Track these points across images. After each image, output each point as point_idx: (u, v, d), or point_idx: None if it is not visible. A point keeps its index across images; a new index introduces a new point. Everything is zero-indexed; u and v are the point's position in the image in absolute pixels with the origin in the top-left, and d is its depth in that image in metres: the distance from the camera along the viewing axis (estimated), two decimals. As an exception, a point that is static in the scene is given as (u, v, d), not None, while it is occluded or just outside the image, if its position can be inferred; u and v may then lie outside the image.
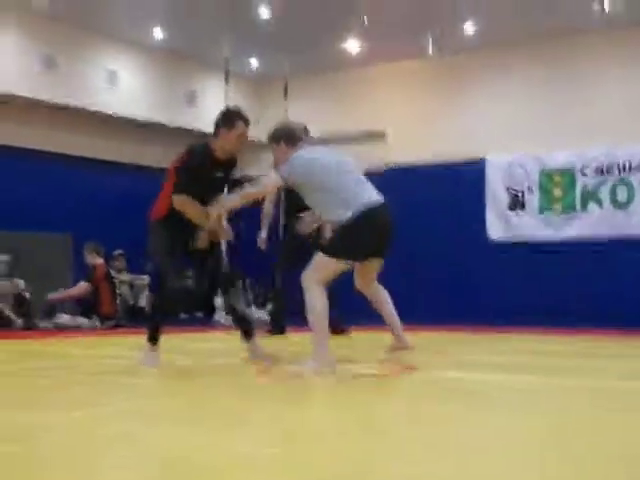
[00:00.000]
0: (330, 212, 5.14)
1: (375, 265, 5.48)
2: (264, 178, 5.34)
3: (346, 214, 5.02)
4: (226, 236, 5.45)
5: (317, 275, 5.05)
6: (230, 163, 5.37)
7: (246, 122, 5.30)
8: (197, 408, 3.69)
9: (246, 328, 5.49)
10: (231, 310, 5.62)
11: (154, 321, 5.32)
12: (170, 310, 5.49)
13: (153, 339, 5.24)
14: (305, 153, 5.20)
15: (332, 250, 5.09)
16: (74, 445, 2.79)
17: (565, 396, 3.99)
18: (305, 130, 6.39)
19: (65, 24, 10.62)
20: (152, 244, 5.31)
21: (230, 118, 5.26)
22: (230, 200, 5.27)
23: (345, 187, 5.11)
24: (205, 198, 5.18)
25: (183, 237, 5.22)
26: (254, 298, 12.20)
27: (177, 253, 5.24)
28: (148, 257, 11.15)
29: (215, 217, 5.17)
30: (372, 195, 5.17)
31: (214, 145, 5.25)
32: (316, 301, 4.95)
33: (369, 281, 5.62)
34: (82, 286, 9.66)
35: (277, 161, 5.33)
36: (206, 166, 5.18)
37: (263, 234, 8.58)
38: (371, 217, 5.06)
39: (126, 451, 2.71)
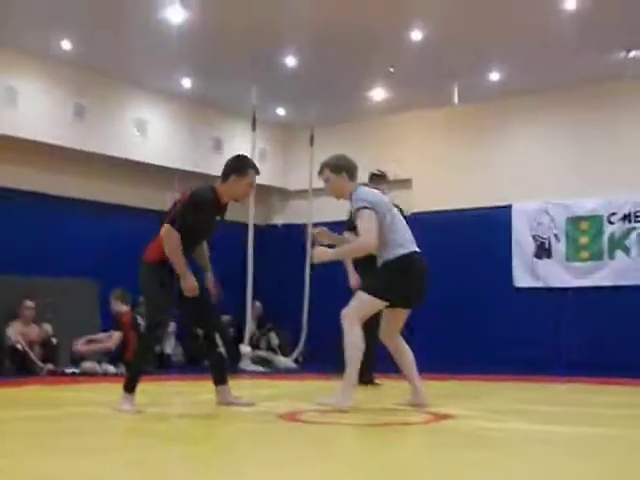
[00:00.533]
0: (388, 251, 5.25)
1: (406, 313, 5.52)
2: (363, 233, 5.20)
3: (396, 254, 5.23)
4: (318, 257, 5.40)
5: (360, 314, 5.19)
6: (225, 207, 5.41)
7: (257, 171, 5.38)
8: (221, 454, 3.67)
9: (224, 372, 5.55)
10: (216, 354, 5.56)
11: (138, 366, 5.30)
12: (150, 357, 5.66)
13: (134, 386, 5.20)
14: (368, 189, 5.44)
15: (378, 290, 5.21)
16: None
17: (607, 445, 3.94)
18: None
19: (95, 73, 10.79)
20: (146, 286, 5.34)
21: (243, 166, 5.33)
22: (338, 253, 5.41)
23: (401, 229, 5.38)
24: (198, 240, 5.39)
25: (173, 284, 5.26)
26: (279, 345, 12.16)
27: (169, 299, 5.29)
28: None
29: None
30: (414, 243, 5.42)
31: (220, 189, 5.30)
32: (357, 340, 5.10)
33: (395, 332, 5.59)
34: (116, 336, 9.58)
35: (334, 190, 5.48)
36: (210, 211, 5.25)
37: (353, 276, 7.59)
38: (417, 262, 5.31)
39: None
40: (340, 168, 5.44)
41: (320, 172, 5.55)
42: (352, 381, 5.16)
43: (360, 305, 5.22)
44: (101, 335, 9.96)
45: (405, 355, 5.59)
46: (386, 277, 5.25)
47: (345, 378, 5.15)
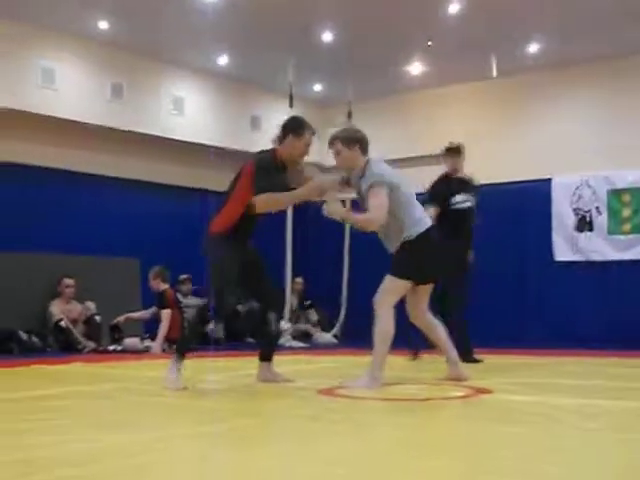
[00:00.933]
0: (405, 229, 5.14)
1: (428, 289, 5.42)
2: (373, 209, 5.04)
3: (417, 231, 5.13)
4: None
5: (391, 299, 5.13)
6: (286, 168, 5.35)
7: (313, 132, 5.34)
8: (266, 429, 3.70)
9: (272, 350, 5.60)
10: (268, 330, 5.55)
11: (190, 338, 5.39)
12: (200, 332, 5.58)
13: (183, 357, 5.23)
14: (383, 164, 5.25)
15: (405, 271, 5.13)
16: (148, 467, 2.82)
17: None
18: None
19: (132, 53, 10.84)
20: (217, 259, 5.22)
21: (299, 126, 5.30)
22: (349, 217, 5.25)
23: (416, 205, 5.27)
24: None
25: (242, 255, 5.22)
26: (318, 321, 12.21)
27: (235, 271, 5.20)
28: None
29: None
30: (428, 217, 5.35)
31: (280, 151, 5.29)
32: (389, 326, 5.05)
33: (423, 310, 5.47)
34: (165, 314, 9.48)
35: (346, 164, 5.26)
36: (277, 172, 5.22)
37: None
38: (435, 237, 5.25)
39: (201, 474, 2.73)
40: (353, 141, 5.23)
41: (331, 144, 5.30)
42: (380, 365, 5.09)
43: (388, 289, 5.13)
44: (142, 312, 10.06)
45: (437, 330, 5.54)
46: (408, 256, 5.15)
47: (371, 363, 5.10)
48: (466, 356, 6.91)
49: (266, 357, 5.58)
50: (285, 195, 5.15)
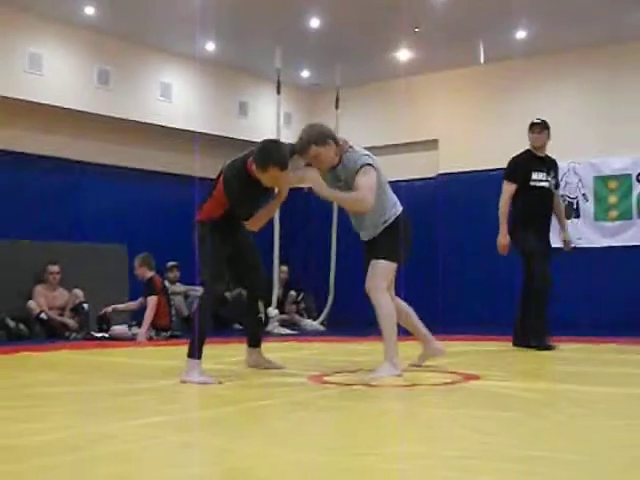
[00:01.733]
0: (386, 212, 5.10)
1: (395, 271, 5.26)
2: (364, 189, 4.84)
3: (395, 213, 5.11)
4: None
5: (384, 283, 5.04)
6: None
7: (282, 166, 4.74)
8: (253, 416, 3.70)
9: (260, 335, 5.61)
10: (255, 316, 5.52)
11: (200, 331, 4.97)
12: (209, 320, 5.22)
13: (200, 352, 4.94)
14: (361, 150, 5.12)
15: (394, 255, 5.07)
16: (134, 454, 2.82)
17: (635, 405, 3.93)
18: None
19: (119, 39, 10.80)
20: (204, 247, 5.10)
21: (264, 160, 4.74)
22: (333, 194, 4.99)
23: (389, 187, 5.21)
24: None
25: (230, 242, 5.13)
26: (305, 309, 12.22)
27: (224, 258, 5.12)
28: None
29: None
30: None
31: (250, 168, 4.90)
32: (390, 308, 5.00)
33: (392, 296, 5.26)
34: (152, 301, 9.39)
35: (329, 162, 4.97)
36: (245, 180, 4.92)
37: (505, 237, 7.27)
38: (407, 218, 5.21)
39: (187, 461, 2.73)
40: (325, 137, 4.94)
41: (304, 152, 4.98)
42: (394, 349, 5.01)
43: (379, 274, 5.04)
44: (128, 304, 9.98)
45: (406, 311, 5.44)
46: (392, 237, 5.08)
47: (386, 351, 5.01)
48: (541, 341, 6.90)
49: (254, 343, 5.56)
50: (267, 210, 5.03)
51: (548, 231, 7.33)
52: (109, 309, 9.80)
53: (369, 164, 4.92)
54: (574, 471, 2.52)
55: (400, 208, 5.18)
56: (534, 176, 7.23)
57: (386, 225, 5.10)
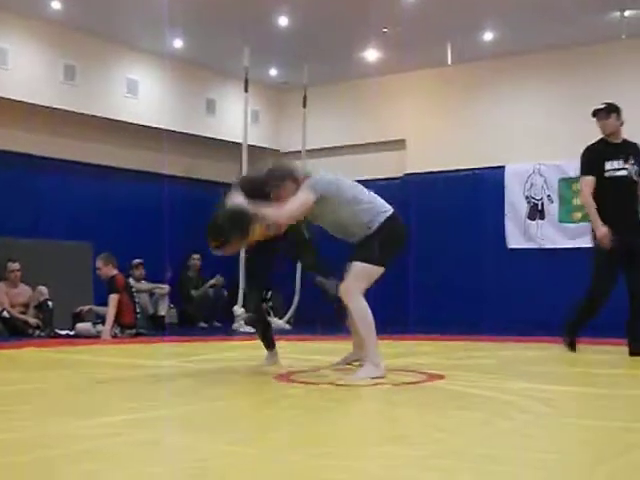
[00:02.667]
0: (363, 223, 5.07)
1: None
2: (290, 201, 4.93)
3: (379, 220, 5.07)
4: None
5: (362, 285, 4.99)
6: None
7: (209, 242, 4.90)
8: (218, 415, 3.69)
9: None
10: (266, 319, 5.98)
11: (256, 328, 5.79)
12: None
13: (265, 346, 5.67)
14: (323, 174, 5.20)
15: (375, 257, 5.01)
16: (101, 453, 2.80)
17: (601, 404, 3.97)
18: None
19: (86, 34, 10.70)
20: None
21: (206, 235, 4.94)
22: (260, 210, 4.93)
23: (372, 197, 5.22)
24: None
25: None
26: (272, 307, 12.20)
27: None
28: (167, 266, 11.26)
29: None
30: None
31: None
32: (366, 311, 4.95)
33: None
34: (113, 299, 9.38)
35: (283, 199, 5.01)
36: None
37: (602, 227, 6.49)
38: (398, 221, 5.18)
39: (153, 460, 2.72)
40: (282, 177, 5.10)
41: (268, 194, 5.07)
42: (375, 351, 4.96)
43: (361, 276, 5.00)
44: (106, 308, 9.79)
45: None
46: (374, 240, 5.03)
47: (368, 354, 4.97)
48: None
49: (272, 345, 5.78)
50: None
51: (633, 226, 6.57)
52: (86, 308, 9.73)
53: (311, 185, 4.97)
54: (542, 469, 2.54)
55: (387, 214, 5.13)
56: (608, 166, 6.52)
57: (377, 227, 5.08)
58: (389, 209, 5.18)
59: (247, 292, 5.62)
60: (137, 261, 11.12)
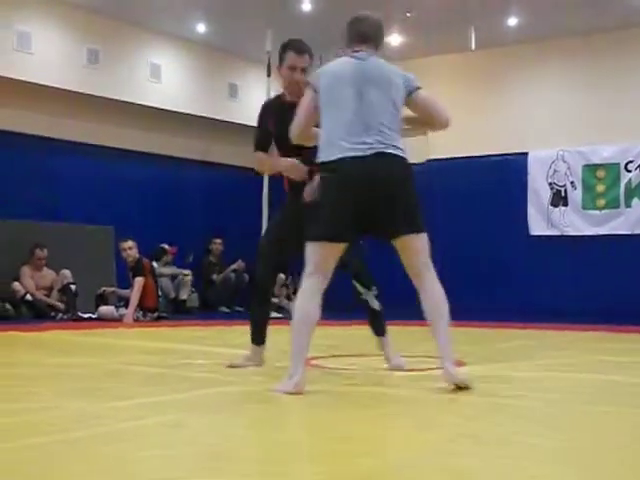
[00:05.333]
0: (321, 149, 3.78)
1: (342, 248, 3.77)
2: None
3: (327, 156, 3.71)
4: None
5: (307, 268, 3.77)
6: (294, 105, 4.12)
7: (297, 51, 4.48)
8: (241, 401, 3.71)
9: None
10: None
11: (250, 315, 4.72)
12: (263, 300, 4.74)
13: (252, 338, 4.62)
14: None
15: (314, 226, 3.74)
16: (123, 435, 2.82)
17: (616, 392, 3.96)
18: None
19: (109, 18, 10.71)
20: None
21: (282, 50, 4.53)
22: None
23: (342, 120, 3.72)
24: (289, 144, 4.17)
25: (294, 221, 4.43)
26: (294, 293, 12.20)
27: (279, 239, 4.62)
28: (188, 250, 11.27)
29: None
30: (367, 141, 3.66)
31: (283, 90, 4.64)
32: (297, 310, 3.81)
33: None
34: (139, 282, 9.33)
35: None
36: (274, 114, 4.54)
37: None
38: (351, 171, 3.64)
39: (172, 440, 2.74)
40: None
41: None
42: (293, 360, 3.73)
43: (306, 257, 3.78)
44: (129, 290, 9.83)
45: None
46: (318, 201, 3.76)
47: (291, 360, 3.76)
48: None
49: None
50: (264, 164, 4.82)
51: None
52: (110, 290, 9.80)
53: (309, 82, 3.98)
54: (554, 455, 2.53)
55: (349, 153, 3.61)
56: None
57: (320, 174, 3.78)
58: (351, 149, 3.63)
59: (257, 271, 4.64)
60: (161, 245, 11.09)
